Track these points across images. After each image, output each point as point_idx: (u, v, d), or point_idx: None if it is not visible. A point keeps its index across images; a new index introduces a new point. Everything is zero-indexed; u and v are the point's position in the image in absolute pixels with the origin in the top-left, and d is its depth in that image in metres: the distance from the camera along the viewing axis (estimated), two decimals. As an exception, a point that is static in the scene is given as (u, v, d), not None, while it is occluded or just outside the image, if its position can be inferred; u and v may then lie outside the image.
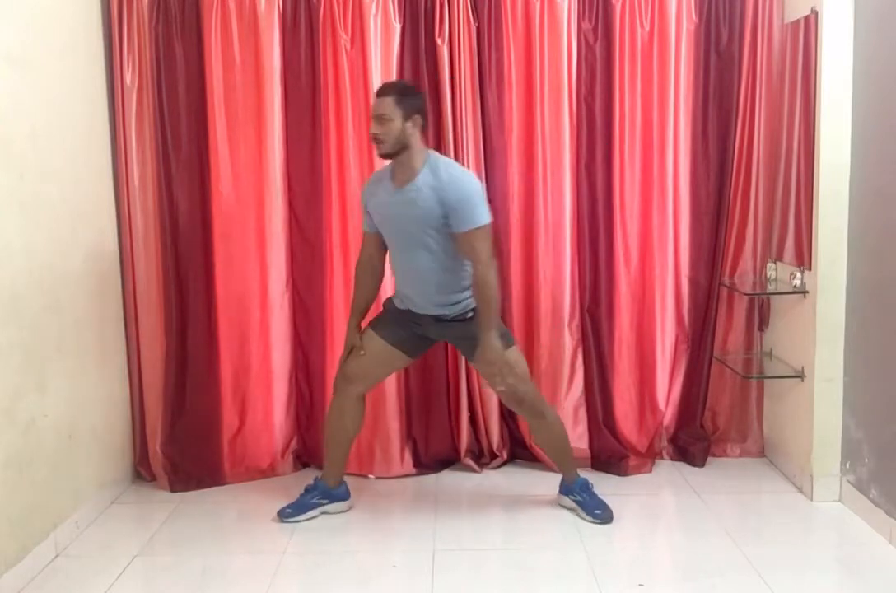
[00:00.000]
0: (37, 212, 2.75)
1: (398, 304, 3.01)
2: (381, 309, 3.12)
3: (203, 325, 3.43)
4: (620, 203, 3.52)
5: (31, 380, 2.70)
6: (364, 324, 3.08)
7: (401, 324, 2.99)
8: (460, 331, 2.93)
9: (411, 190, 2.78)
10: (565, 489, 3.16)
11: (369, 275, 3.06)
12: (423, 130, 2.83)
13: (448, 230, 2.78)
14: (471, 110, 3.39)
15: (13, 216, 2.61)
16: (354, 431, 3.12)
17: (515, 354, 2.95)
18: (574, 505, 3.11)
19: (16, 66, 2.65)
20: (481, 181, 3.38)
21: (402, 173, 2.82)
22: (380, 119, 2.75)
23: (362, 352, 3.00)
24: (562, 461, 3.18)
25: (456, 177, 2.77)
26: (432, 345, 3.17)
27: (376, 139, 2.77)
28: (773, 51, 3.41)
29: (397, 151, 2.77)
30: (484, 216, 2.77)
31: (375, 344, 3.00)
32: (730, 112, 3.45)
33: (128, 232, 3.38)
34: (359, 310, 3.06)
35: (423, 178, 2.77)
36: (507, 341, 2.92)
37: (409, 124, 2.74)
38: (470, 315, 2.91)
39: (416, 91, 2.90)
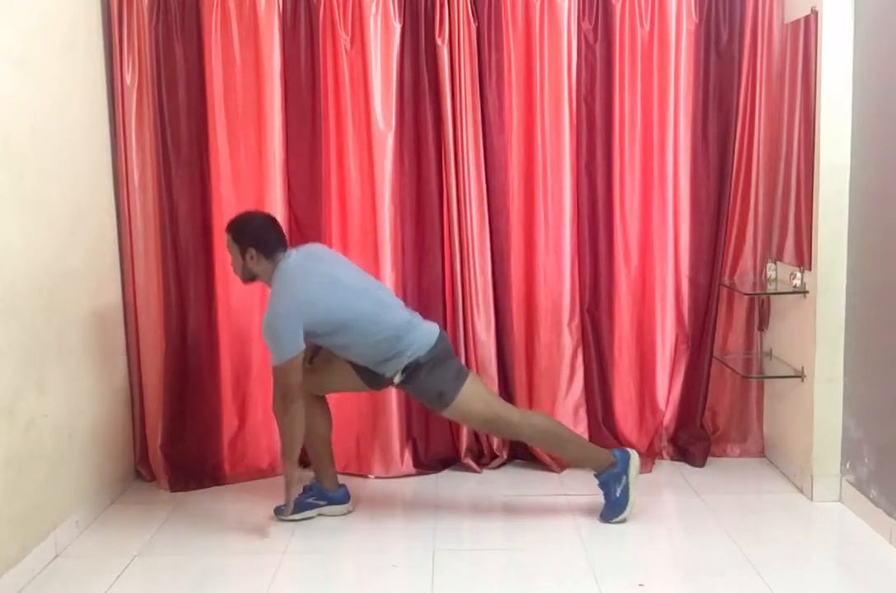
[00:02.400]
0: (37, 212, 2.75)
1: None
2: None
3: (203, 325, 3.43)
4: (620, 203, 3.53)
5: (31, 380, 2.70)
6: None
7: None
8: (403, 387, 2.97)
9: None
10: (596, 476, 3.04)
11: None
12: (269, 256, 2.85)
13: (318, 331, 2.81)
14: (471, 110, 3.39)
15: (13, 216, 2.61)
16: (326, 430, 3.11)
17: (467, 394, 2.88)
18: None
19: (16, 66, 2.65)
20: (481, 184, 3.42)
21: None
22: (229, 251, 2.93)
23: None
24: (573, 458, 3.08)
25: (265, 313, 2.80)
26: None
27: (232, 268, 2.95)
28: (773, 51, 3.41)
29: (251, 279, 2.93)
30: (276, 355, 2.77)
31: (343, 364, 2.96)
32: (730, 112, 3.45)
33: (128, 232, 3.38)
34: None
35: None
36: (460, 379, 2.88)
37: (247, 257, 2.86)
38: (398, 378, 2.89)
39: (248, 225, 2.90)
